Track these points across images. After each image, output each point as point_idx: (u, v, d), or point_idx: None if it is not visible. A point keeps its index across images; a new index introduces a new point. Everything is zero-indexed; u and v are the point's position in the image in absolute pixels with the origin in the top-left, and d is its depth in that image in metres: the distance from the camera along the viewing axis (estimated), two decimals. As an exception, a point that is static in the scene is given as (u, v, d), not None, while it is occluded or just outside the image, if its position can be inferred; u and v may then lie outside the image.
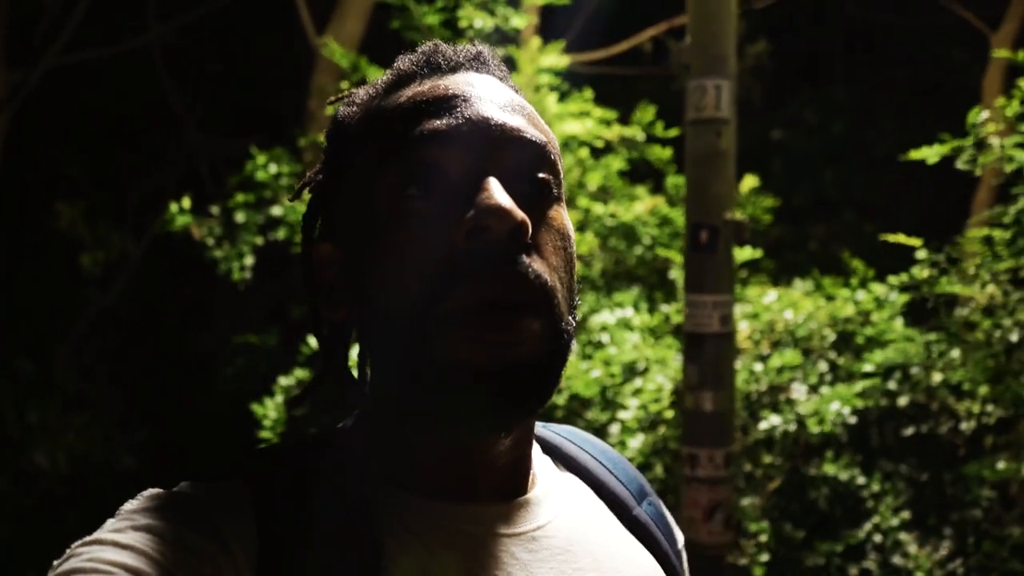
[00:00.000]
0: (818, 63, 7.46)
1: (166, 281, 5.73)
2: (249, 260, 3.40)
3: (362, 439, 0.67)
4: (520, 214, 0.58)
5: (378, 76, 0.73)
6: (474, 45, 0.70)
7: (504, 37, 3.65)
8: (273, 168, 3.35)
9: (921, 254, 2.34)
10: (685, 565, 0.79)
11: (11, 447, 4.79)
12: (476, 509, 0.63)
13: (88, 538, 0.56)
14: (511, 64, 3.63)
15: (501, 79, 0.69)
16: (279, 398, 3.21)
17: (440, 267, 0.59)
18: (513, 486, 0.66)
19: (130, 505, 0.58)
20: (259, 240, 3.42)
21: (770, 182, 4.49)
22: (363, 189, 0.65)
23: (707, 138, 2.31)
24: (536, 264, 0.59)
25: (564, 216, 0.65)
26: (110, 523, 0.57)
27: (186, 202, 3.45)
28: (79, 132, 5.95)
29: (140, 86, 5.75)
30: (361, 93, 0.71)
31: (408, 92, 0.65)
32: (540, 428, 0.77)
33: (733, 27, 2.34)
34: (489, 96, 0.64)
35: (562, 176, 0.67)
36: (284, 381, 3.24)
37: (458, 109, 0.62)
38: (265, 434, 3.14)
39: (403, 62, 0.69)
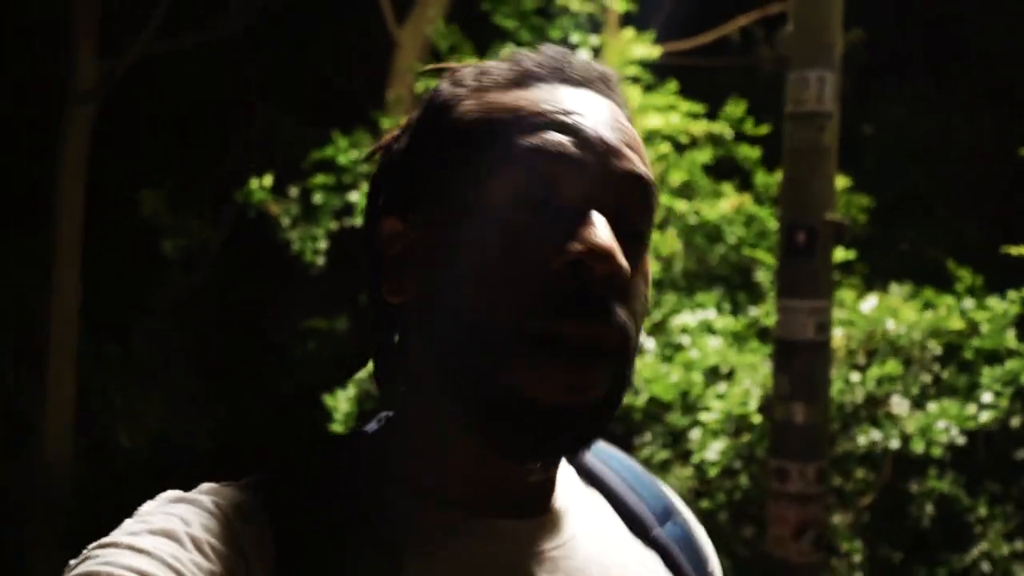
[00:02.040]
0: (907, 55, 7.12)
1: (243, 269, 5.81)
2: (323, 244, 3.38)
3: (386, 447, 0.64)
4: (623, 261, 0.56)
5: (478, 60, 0.68)
6: (602, 66, 0.67)
7: (595, 26, 3.54)
8: (354, 153, 3.31)
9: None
10: None
11: (96, 426, 4.94)
12: (498, 524, 0.62)
13: (104, 540, 0.55)
14: (598, 53, 3.52)
15: (621, 106, 0.65)
16: (351, 391, 3.19)
17: (529, 291, 0.56)
18: (536, 503, 0.64)
19: (148, 506, 0.58)
20: (334, 225, 3.40)
21: (859, 180, 4.28)
22: (462, 181, 0.61)
23: (807, 133, 2.17)
24: (623, 313, 0.58)
25: (649, 261, 0.63)
26: (127, 524, 0.56)
27: (267, 180, 3.44)
28: (162, 120, 6.08)
29: (221, 74, 5.84)
30: (468, 75, 0.66)
31: (533, 96, 0.62)
32: None
33: (839, 15, 2.19)
34: (613, 125, 0.62)
35: (655, 219, 0.64)
36: (362, 375, 3.21)
37: (584, 131, 0.60)
38: (336, 427, 3.12)
39: (527, 60, 0.65)
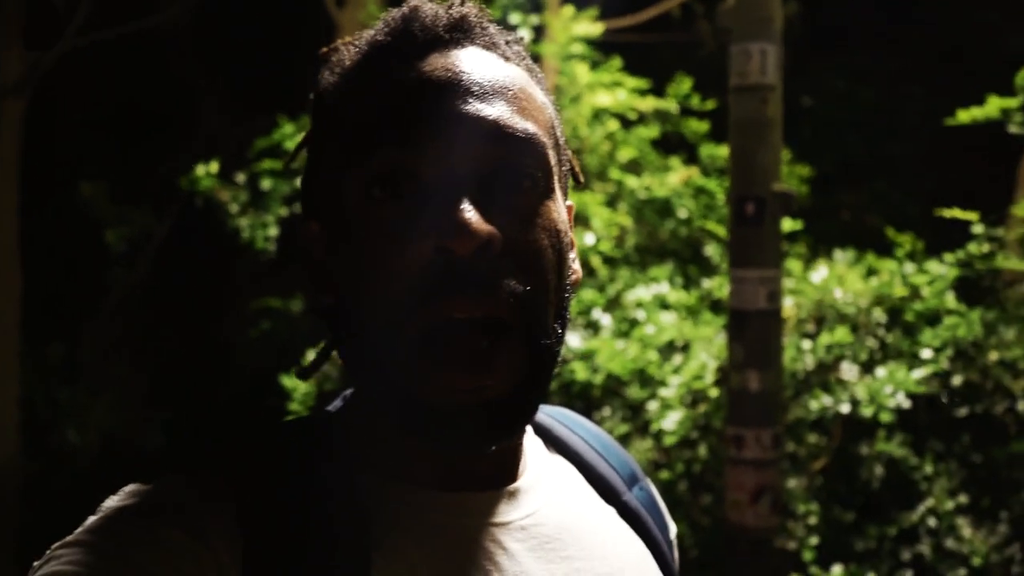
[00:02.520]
0: (844, 27, 7.25)
1: (190, 261, 5.69)
2: (273, 231, 3.34)
3: (349, 426, 0.64)
4: (486, 230, 0.54)
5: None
6: (459, 6, 0.62)
7: (535, 5, 3.53)
8: (300, 138, 3.26)
9: (977, 229, 2.23)
10: (676, 554, 0.76)
11: (41, 427, 4.81)
12: (465, 498, 0.61)
13: (68, 539, 0.54)
14: (541, 33, 3.52)
15: (487, 47, 0.62)
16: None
17: (406, 284, 0.55)
18: (502, 474, 0.64)
19: (111, 502, 0.56)
20: (284, 211, 3.35)
21: (798, 150, 4.36)
22: (334, 177, 0.60)
23: (752, 105, 2.20)
24: (513, 280, 0.56)
25: (554, 209, 0.60)
26: (91, 522, 0.55)
27: (213, 166, 3.37)
28: (99, 112, 5.90)
29: (159, 64, 5.68)
30: (345, 56, 0.64)
31: (381, 74, 0.60)
32: None
33: (780, -13, 2.22)
34: (469, 81, 0.58)
35: (553, 164, 0.61)
36: (313, 354, 3.18)
37: (430, 103, 0.57)
38: (295, 406, 3.10)
39: (380, 28, 0.62)
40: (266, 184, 3.26)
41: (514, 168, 0.58)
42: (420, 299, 0.55)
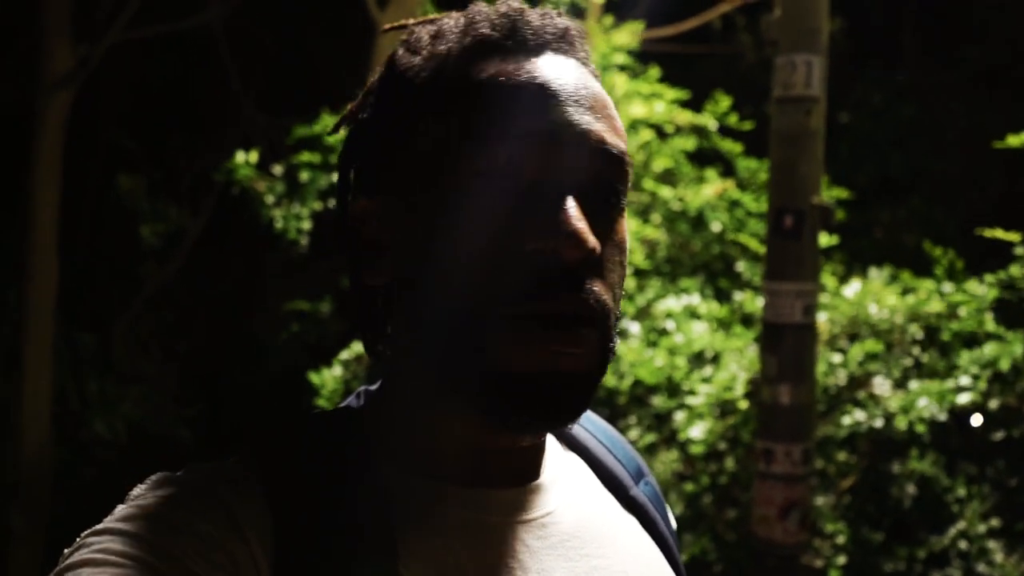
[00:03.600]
0: (886, 42, 7.18)
1: (223, 257, 5.76)
2: (307, 224, 3.34)
3: (376, 419, 0.64)
4: (592, 241, 0.56)
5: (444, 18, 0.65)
6: (561, 18, 0.64)
7: (576, 10, 3.54)
8: (341, 132, 3.26)
9: (1020, 250, 2.19)
10: (679, 547, 0.77)
11: (71, 418, 4.87)
12: (489, 495, 0.62)
13: (98, 527, 0.54)
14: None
15: (584, 63, 0.64)
16: (337, 370, 3.17)
17: (505, 272, 0.57)
18: (524, 472, 0.65)
19: (139, 490, 0.57)
20: (318, 205, 3.35)
21: (836, 166, 4.32)
22: (427, 160, 0.60)
23: (795, 117, 2.18)
24: (598, 286, 0.59)
25: (625, 228, 0.63)
26: (120, 510, 0.55)
27: (253, 156, 3.38)
28: (139, 108, 5.99)
29: (200, 63, 5.76)
30: (424, 39, 0.64)
31: (490, 69, 0.60)
32: None
33: (826, -1, 2.21)
34: (577, 92, 0.60)
35: (629, 184, 0.64)
36: (344, 355, 3.20)
37: (547, 106, 0.58)
38: (322, 402, 3.11)
39: (483, 23, 0.62)
40: (304, 176, 3.27)
41: (608, 184, 0.60)
42: (518, 293, 0.56)
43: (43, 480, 4.16)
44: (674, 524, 0.78)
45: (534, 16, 0.63)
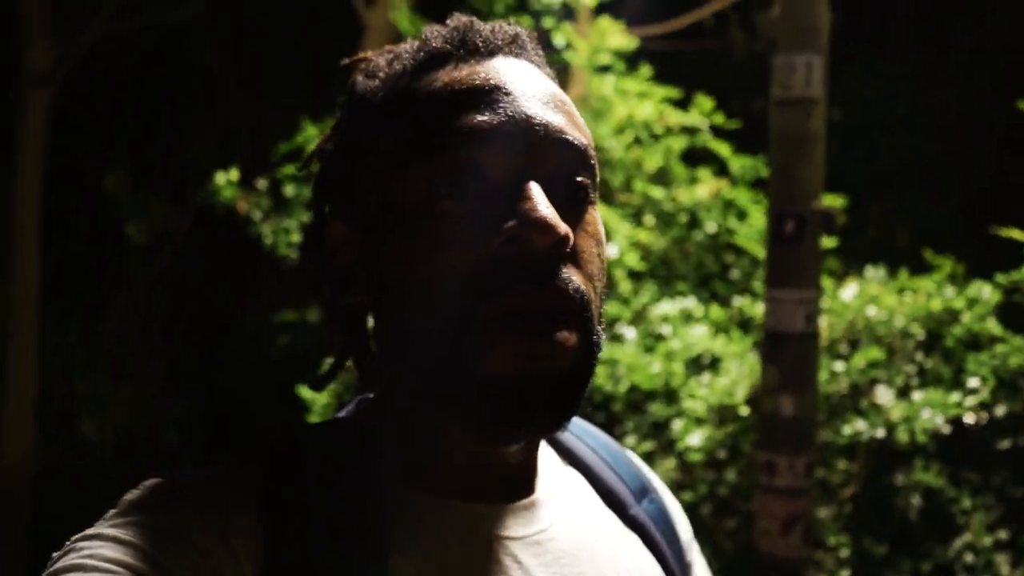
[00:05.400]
0: (877, 29, 7.12)
1: (210, 255, 5.67)
2: (296, 237, 3.30)
3: (368, 431, 0.64)
4: (563, 227, 0.55)
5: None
6: (510, 25, 0.65)
7: (568, 13, 3.47)
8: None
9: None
10: (693, 557, 0.76)
11: (57, 418, 4.79)
12: (483, 510, 0.62)
13: (88, 532, 0.54)
14: (569, 44, 3.46)
15: (538, 65, 0.64)
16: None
17: (476, 274, 0.56)
18: (520, 486, 0.64)
19: (131, 496, 0.56)
20: (306, 217, 3.29)
21: (827, 161, 4.25)
22: (389, 177, 0.60)
23: (795, 119, 2.12)
24: (575, 276, 0.58)
25: (598, 220, 0.63)
26: (111, 515, 0.55)
27: (233, 174, 3.34)
28: (124, 102, 5.89)
29: (186, 56, 5.67)
30: (382, 63, 0.66)
31: (443, 77, 0.61)
32: None
33: (827, -3, 2.14)
34: (531, 89, 0.60)
35: (598, 177, 0.64)
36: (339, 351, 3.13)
37: (499, 104, 0.59)
38: (314, 418, 3.04)
39: (435, 38, 0.64)
40: (289, 191, 3.21)
41: (571, 175, 0.60)
42: (490, 292, 0.55)
43: (24, 484, 4.08)
44: (687, 534, 0.76)
45: (484, 26, 0.64)
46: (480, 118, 0.58)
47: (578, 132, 0.61)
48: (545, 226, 0.55)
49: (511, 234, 0.55)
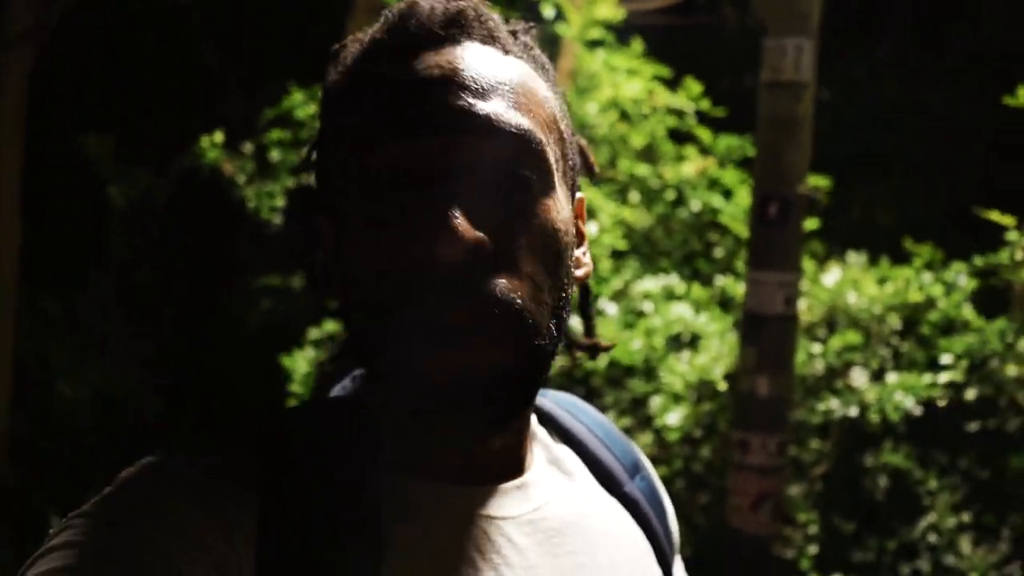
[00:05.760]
0: (870, 20, 7.12)
1: (192, 225, 5.63)
2: (280, 201, 3.28)
3: (362, 415, 0.65)
4: (472, 235, 0.54)
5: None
6: (456, 1, 0.63)
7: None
8: (312, 107, 3.16)
9: (1012, 235, 2.16)
10: (675, 539, 0.76)
11: (34, 387, 4.77)
12: (474, 492, 0.62)
13: (86, 509, 0.54)
14: (560, 14, 3.43)
15: (486, 41, 0.62)
16: (309, 351, 3.11)
17: (398, 278, 0.56)
18: (509, 467, 0.64)
19: (128, 474, 0.56)
20: (291, 182, 3.28)
21: (815, 142, 4.27)
22: (338, 174, 0.61)
23: (783, 102, 2.13)
24: (499, 281, 0.56)
25: (552, 208, 0.60)
26: (109, 494, 0.55)
27: (218, 136, 3.31)
28: (109, 68, 5.81)
29: (171, 22, 5.58)
30: (351, 51, 0.65)
31: (376, 73, 0.61)
32: (539, 396, 0.74)
33: (818, -19, 2.14)
34: (463, 77, 0.58)
35: (554, 160, 0.61)
36: (315, 333, 3.14)
37: (422, 100, 0.57)
38: (296, 387, 3.05)
39: (380, 27, 0.63)
40: (275, 155, 3.19)
41: (508, 165, 0.57)
42: (412, 295, 0.55)
43: (2, 447, 4.08)
44: (674, 521, 0.77)
45: (424, 7, 0.62)
46: (405, 116, 0.57)
47: (522, 117, 0.59)
48: (451, 239, 0.53)
49: (422, 247, 0.55)
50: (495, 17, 0.64)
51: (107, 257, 5.38)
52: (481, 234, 0.55)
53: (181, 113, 5.32)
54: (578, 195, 0.68)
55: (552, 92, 0.64)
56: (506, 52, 0.62)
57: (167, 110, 5.46)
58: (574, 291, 0.64)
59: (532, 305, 0.57)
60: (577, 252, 0.67)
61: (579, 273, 0.67)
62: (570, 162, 0.66)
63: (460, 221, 0.54)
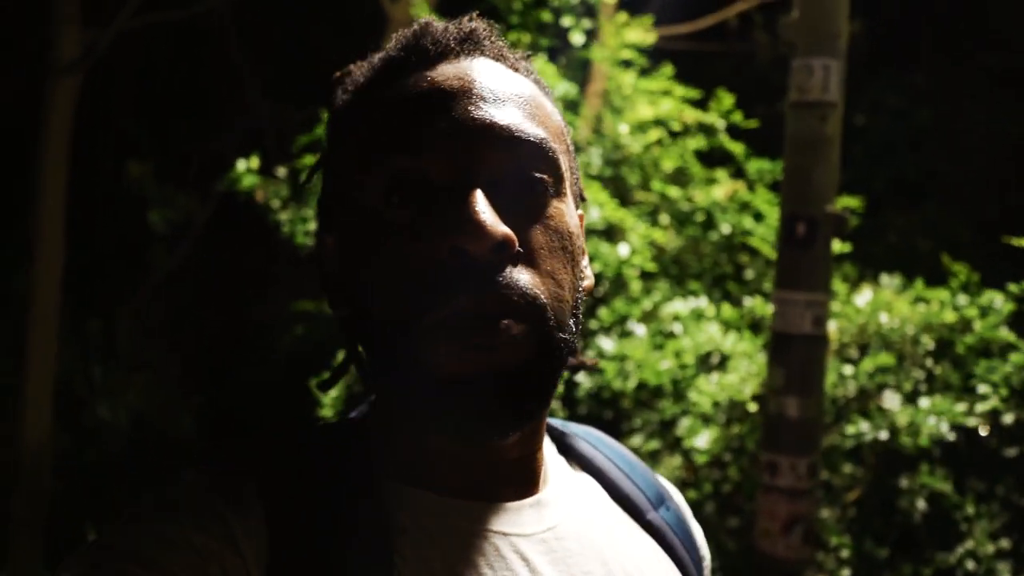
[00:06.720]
0: (902, 44, 7.07)
1: (229, 248, 5.73)
2: (313, 226, 3.33)
3: (374, 432, 0.65)
4: (501, 230, 0.56)
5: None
6: (469, 21, 0.65)
7: (588, 9, 3.48)
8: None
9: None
10: (706, 567, 0.76)
11: (76, 405, 4.86)
12: (488, 508, 0.62)
13: (96, 540, 0.55)
14: (593, 37, 3.47)
15: (496, 59, 0.64)
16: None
17: (423, 282, 0.57)
18: (523, 485, 0.65)
19: (144, 498, 0.58)
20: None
21: (850, 168, 4.24)
22: (349, 188, 0.63)
23: (811, 123, 2.13)
24: (523, 276, 0.58)
25: (565, 212, 0.62)
26: (116, 524, 0.56)
27: (254, 161, 3.38)
28: (148, 94, 5.97)
29: (208, 50, 5.73)
30: (357, 75, 0.68)
31: (393, 87, 0.62)
32: (558, 426, 0.76)
33: (846, 2, 2.14)
34: (480, 87, 0.61)
35: (564, 169, 0.63)
36: (342, 356, 3.16)
37: (442, 110, 0.59)
38: (325, 412, 3.08)
39: (393, 45, 0.66)
40: (308, 180, 3.25)
41: (526, 171, 0.60)
42: (435, 297, 0.56)
43: (44, 466, 4.16)
44: (705, 552, 0.77)
45: (438, 26, 0.65)
46: (421, 126, 0.58)
47: (533, 124, 0.61)
48: (480, 232, 0.55)
49: (451, 244, 0.56)
50: (502, 40, 0.67)
51: (146, 280, 5.50)
52: (509, 230, 0.56)
53: (217, 130, 5.43)
54: (578, 211, 0.71)
55: (556, 109, 0.67)
56: (515, 70, 0.65)
57: (205, 130, 5.58)
58: (583, 299, 0.65)
59: (554, 302, 0.59)
60: (582, 263, 0.69)
61: (584, 284, 0.68)
62: (575, 175, 0.68)
63: (488, 216, 0.56)
